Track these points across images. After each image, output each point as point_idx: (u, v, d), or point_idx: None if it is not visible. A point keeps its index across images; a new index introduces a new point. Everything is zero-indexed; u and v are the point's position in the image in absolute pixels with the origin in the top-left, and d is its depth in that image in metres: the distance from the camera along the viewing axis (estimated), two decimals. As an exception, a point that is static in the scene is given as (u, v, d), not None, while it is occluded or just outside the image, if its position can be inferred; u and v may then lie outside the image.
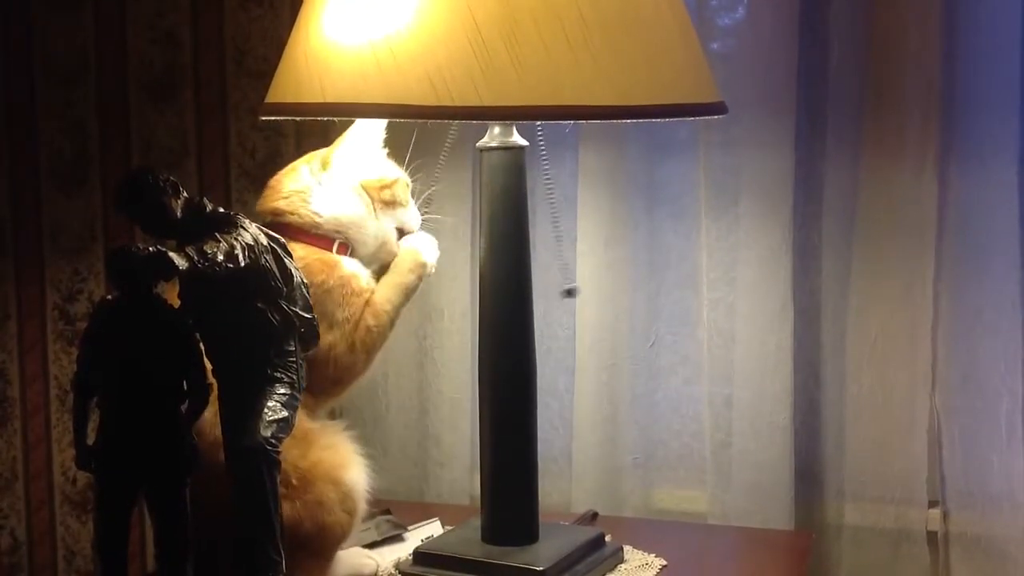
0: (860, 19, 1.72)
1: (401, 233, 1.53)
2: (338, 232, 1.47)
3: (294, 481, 1.36)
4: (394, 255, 1.52)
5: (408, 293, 1.51)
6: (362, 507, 1.45)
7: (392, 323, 1.49)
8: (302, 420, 1.39)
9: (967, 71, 1.68)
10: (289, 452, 1.34)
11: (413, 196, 1.56)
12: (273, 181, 1.51)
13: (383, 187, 1.51)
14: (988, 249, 1.69)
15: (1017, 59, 1.65)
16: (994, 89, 1.67)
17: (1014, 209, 1.67)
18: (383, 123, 1.52)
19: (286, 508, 1.32)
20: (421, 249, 1.53)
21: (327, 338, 1.41)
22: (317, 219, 1.46)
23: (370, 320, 1.46)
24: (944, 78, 1.68)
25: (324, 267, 1.44)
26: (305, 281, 1.22)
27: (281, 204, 1.47)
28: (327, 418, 1.52)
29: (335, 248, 1.47)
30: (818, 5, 1.73)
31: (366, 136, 1.51)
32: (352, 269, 1.47)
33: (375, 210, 1.50)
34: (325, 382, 1.44)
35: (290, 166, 1.53)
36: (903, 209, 1.71)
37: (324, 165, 1.50)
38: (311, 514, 1.37)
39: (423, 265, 1.53)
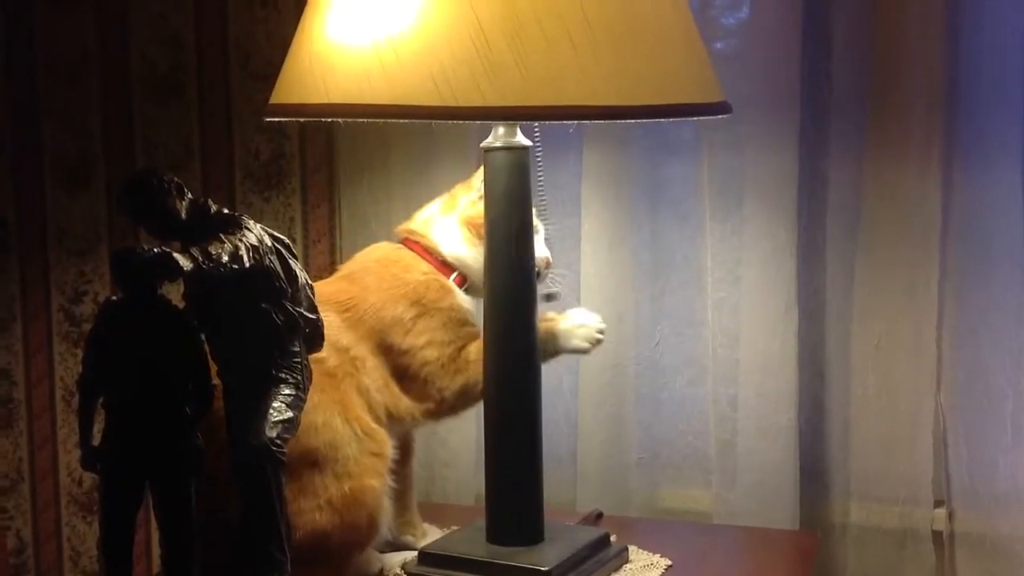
0: (863, 19, 1.71)
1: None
2: (456, 264, 1.53)
3: (346, 488, 1.38)
4: None
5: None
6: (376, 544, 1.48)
7: None
8: (380, 437, 1.43)
9: (970, 71, 1.68)
10: (362, 460, 1.39)
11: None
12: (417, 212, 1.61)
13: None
14: (993, 249, 1.69)
15: (1020, 59, 1.65)
16: (998, 89, 1.67)
17: (1019, 209, 1.67)
18: None
19: (325, 516, 1.36)
20: (582, 322, 1.54)
21: (426, 352, 1.48)
22: (438, 246, 1.54)
23: (473, 354, 1.49)
24: (947, 78, 1.68)
25: (442, 289, 1.51)
26: (310, 282, 1.22)
27: (412, 226, 1.57)
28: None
29: (452, 277, 1.53)
30: (821, 5, 1.73)
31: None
32: (464, 302, 1.53)
33: (475, 244, 1.53)
34: (414, 397, 1.49)
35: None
36: (907, 209, 1.71)
37: (451, 197, 1.58)
38: (343, 535, 1.39)
39: (593, 337, 1.53)
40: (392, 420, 1.47)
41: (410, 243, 1.56)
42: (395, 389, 1.47)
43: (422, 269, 1.52)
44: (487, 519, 1.47)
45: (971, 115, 1.69)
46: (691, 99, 1.33)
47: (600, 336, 1.54)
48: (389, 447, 1.45)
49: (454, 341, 1.50)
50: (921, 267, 1.71)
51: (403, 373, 1.47)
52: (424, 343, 1.48)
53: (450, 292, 1.52)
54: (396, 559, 1.51)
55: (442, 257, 1.54)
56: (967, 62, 1.68)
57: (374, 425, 1.43)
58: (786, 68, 1.71)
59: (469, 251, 1.53)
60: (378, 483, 1.42)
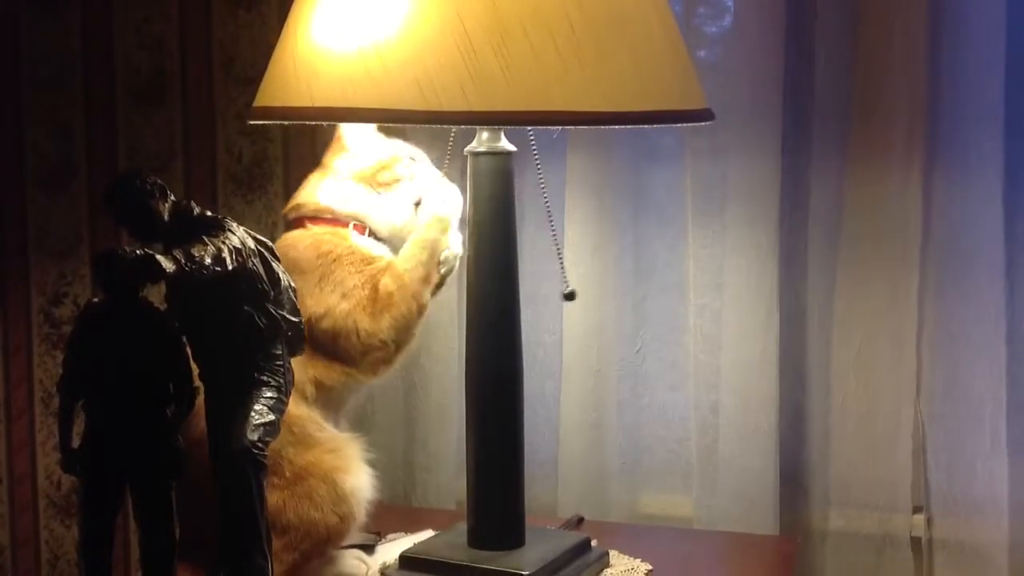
0: (846, 29, 1.73)
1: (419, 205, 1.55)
2: (351, 217, 1.52)
3: (287, 473, 1.38)
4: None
5: (430, 250, 1.50)
6: (358, 515, 1.46)
7: (421, 283, 1.49)
8: (306, 425, 1.41)
9: (952, 80, 1.70)
10: (286, 448, 1.38)
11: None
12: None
13: (380, 169, 1.53)
14: (973, 257, 1.70)
15: (1002, 69, 1.66)
16: (979, 98, 1.68)
17: (998, 217, 1.68)
18: None
19: (273, 496, 1.35)
20: (437, 204, 1.52)
21: (342, 306, 1.45)
22: (328, 207, 1.52)
23: (391, 284, 1.48)
24: (929, 87, 1.69)
25: (333, 237, 1.49)
26: (293, 285, 1.22)
27: (297, 200, 1.55)
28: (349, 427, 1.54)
29: (350, 227, 1.51)
30: (804, 14, 1.74)
31: (354, 131, 1.55)
32: (361, 242, 1.51)
33: (379, 194, 1.52)
34: (355, 354, 1.47)
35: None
36: (888, 217, 1.72)
37: (323, 168, 1.56)
38: (295, 505, 1.38)
39: (440, 219, 1.51)
40: (324, 391, 1.46)
41: (296, 220, 1.53)
42: (319, 360, 1.45)
43: (311, 232, 1.50)
44: (468, 523, 1.47)
45: (952, 125, 1.70)
46: (675, 106, 1.33)
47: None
48: (321, 436, 1.45)
49: (366, 282, 1.47)
50: (902, 275, 1.73)
51: (332, 338, 1.45)
52: (337, 298, 1.45)
53: (344, 236, 1.50)
54: (379, 562, 1.51)
55: (332, 214, 1.51)
56: (949, 72, 1.69)
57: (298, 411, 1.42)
58: (769, 76, 1.72)
59: (364, 202, 1.52)
60: (315, 457, 1.42)
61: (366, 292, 1.47)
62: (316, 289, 1.45)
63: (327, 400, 1.48)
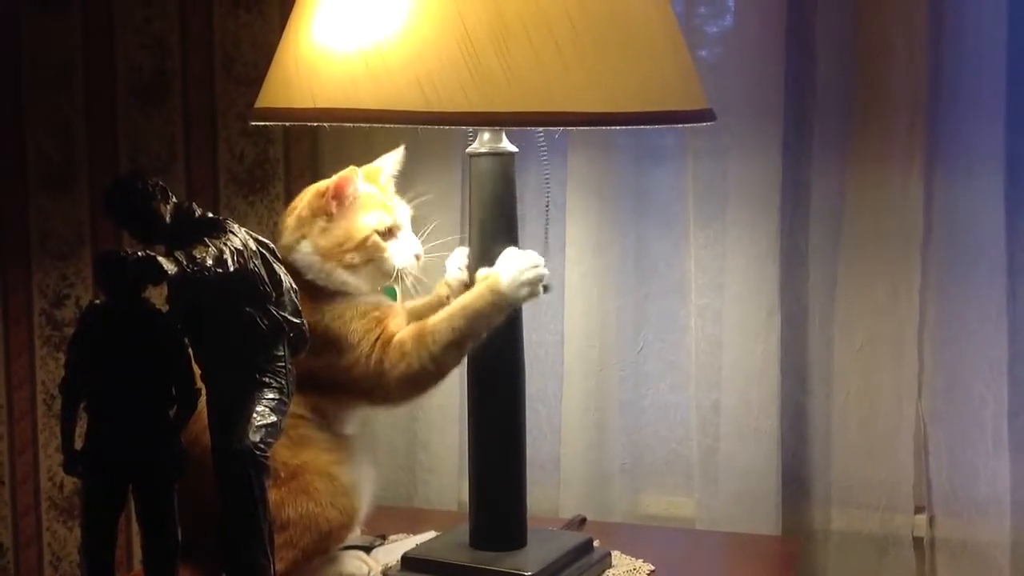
0: (847, 27, 1.73)
1: (389, 232, 1.41)
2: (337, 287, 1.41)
3: (282, 474, 1.37)
4: (383, 260, 1.41)
5: (471, 320, 1.35)
6: (359, 508, 1.45)
7: (445, 347, 1.35)
8: (300, 427, 1.40)
9: (953, 79, 1.70)
10: (279, 450, 1.33)
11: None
12: None
13: (346, 252, 1.39)
14: (974, 256, 1.70)
15: (1003, 67, 1.67)
16: (980, 97, 1.68)
17: (1000, 216, 1.68)
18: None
19: (270, 495, 1.32)
20: (503, 272, 1.36)
21: (342, 360, 1.38)
22: (314, 282, 1.40)
23: (406, 335, 1.37)
24: (930, 86, 1.69)
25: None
26: (294, 286, 1.22)
27: (285, 243, 1.41)
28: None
29: None
30: (805, 13, 1.74)
31: (342, 192, 1.41)
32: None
33: (353, 269, 1.39)
34: (354, 391, 1.41)
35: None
36: (890, 216, 1.72)
37: (300, 221, 1.42)
38: (293, 501, 1.37)
39: (496, 291, 1.35)
40: (319, 413, 1.42)
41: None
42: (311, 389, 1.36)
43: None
44: (470, 524, 1.47)
45: (953, 124, 1.70)
46: (676, 106, 1.33)
47: (542, 271, 1.36)
48: (316, 437, 1.41)
49: (371, 329, 1.37)
50: (903, 274, 1.73)
51: (327, 374, 1.34)
52: (338, 354, 1.36)
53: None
54: (382, 563, 1.51)
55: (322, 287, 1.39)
56: (950, 72, 1.70)
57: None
58: (770, 76, 1.72)
59: (349, 280, 1.40)
60: (310, 456, 1.39)
61: (371, 341, 1.36)
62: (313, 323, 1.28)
63: (324, 412, 1.45)
